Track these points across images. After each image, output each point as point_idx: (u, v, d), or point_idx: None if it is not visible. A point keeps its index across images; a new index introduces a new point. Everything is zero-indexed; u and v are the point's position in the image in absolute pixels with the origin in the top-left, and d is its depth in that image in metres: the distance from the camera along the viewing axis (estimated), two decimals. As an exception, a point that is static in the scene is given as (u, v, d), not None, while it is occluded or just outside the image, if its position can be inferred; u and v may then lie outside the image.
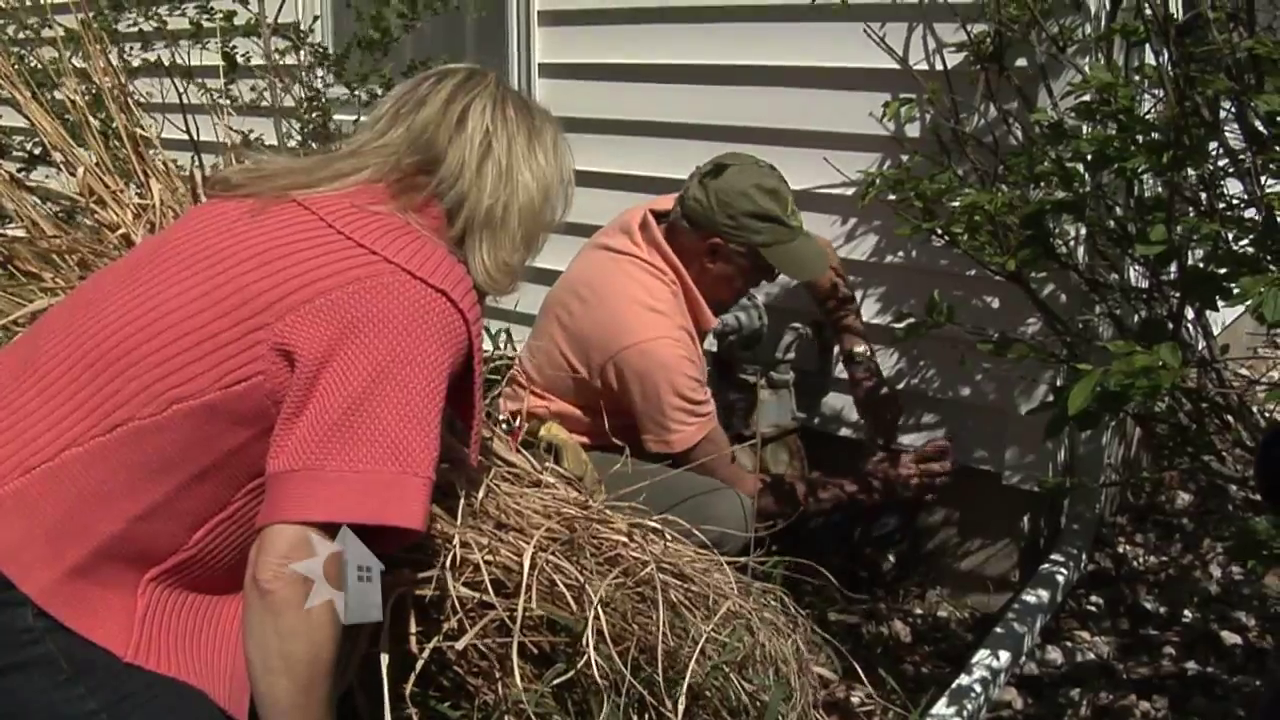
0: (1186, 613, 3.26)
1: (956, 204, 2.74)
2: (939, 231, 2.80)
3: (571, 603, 1.94)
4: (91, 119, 2.48)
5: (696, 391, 2.80)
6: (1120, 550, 3.55)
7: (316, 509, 1.36)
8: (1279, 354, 4.51)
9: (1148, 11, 2.41)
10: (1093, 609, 3.31)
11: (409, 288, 1.46)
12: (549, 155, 1.71)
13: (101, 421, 1.43)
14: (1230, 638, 3.14)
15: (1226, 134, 2.49)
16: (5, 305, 2.22)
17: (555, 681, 1.86)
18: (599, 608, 1.85)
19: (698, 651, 2.00)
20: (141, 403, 1.43)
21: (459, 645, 1.80)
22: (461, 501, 1.88)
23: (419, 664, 1.80)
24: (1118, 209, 2.73)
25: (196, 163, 2.86)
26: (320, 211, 1.53)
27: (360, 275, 1.45)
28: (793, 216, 2.88)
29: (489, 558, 1.86)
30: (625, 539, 2.14)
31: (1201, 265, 2.36)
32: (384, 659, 1.74)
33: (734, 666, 2.09)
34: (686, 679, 1.93)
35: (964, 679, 2.79)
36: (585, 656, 1.82)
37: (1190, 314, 2.62)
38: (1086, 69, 2.73)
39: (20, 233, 2.38)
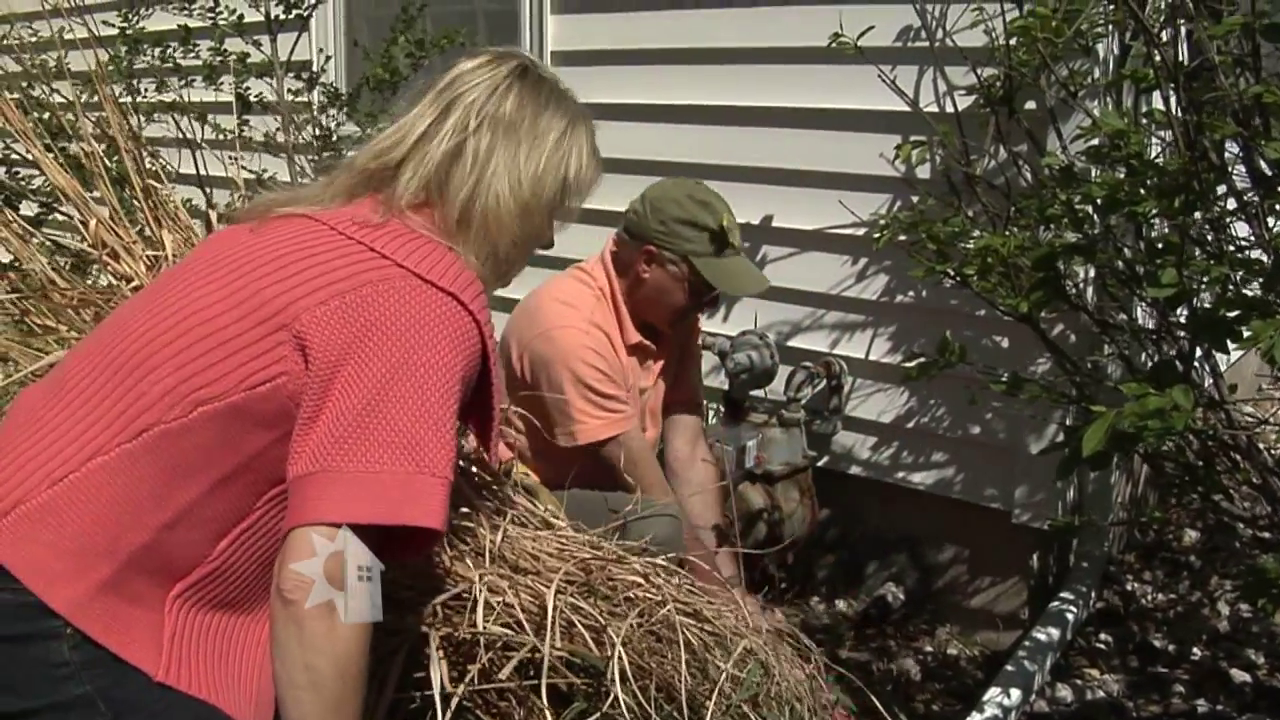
0: (1195, 650, 3.27)
1: (970, 246, 2.77)
2: (951, 273, 2.83)
3: (591, 643, 1.95)
4: (105, 166, 2.49)
5: (603, 384, 2.74)
6: (1129, 588, 3.56)
7: (332, 510, 1.35)
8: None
9: (1157, 58, 2.44)
10: (1102, 647, 3.32)
11: (420, 292, 1.45)
12: (543, 161, 1.61)
13: (127, 428, 1.43)
14: (1239, 675, 3.15)
15: (1234, 178, 2.52)
16: (21, 359, 2.22)
17: (574, 721, 1.87)
18: (621, 647, 1.85)
19: (717, 691, 2.00)
20: (166, 405, 1.43)
21: (494, 682, 1.81)
22: (487, 542, 1.90)
23: (454, 702, 1.81)
24: (1126, 251, 2.76)
25: (210, 202, 2.88)
26: (330, 221, 1.54)
27: (373, 279, 1.45)
28: (729, 233, 2.82)
29: (512, 599, 1.87)
30: (641, 579, 2.16)
31: (1211, 308, 2.39)
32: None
33: (750, 704, 2.10)
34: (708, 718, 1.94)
35: (975, 717, 2.80)
36: (610, 696, 1.83)
37: (1198, 354, 2.66)
38: (1095, 113, 2.77)
39: (32, 284, 2.38)
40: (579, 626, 1.95)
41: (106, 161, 2.58)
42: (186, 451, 1.43)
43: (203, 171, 2.94)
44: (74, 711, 1.38)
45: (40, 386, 1.59)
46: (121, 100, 2.86)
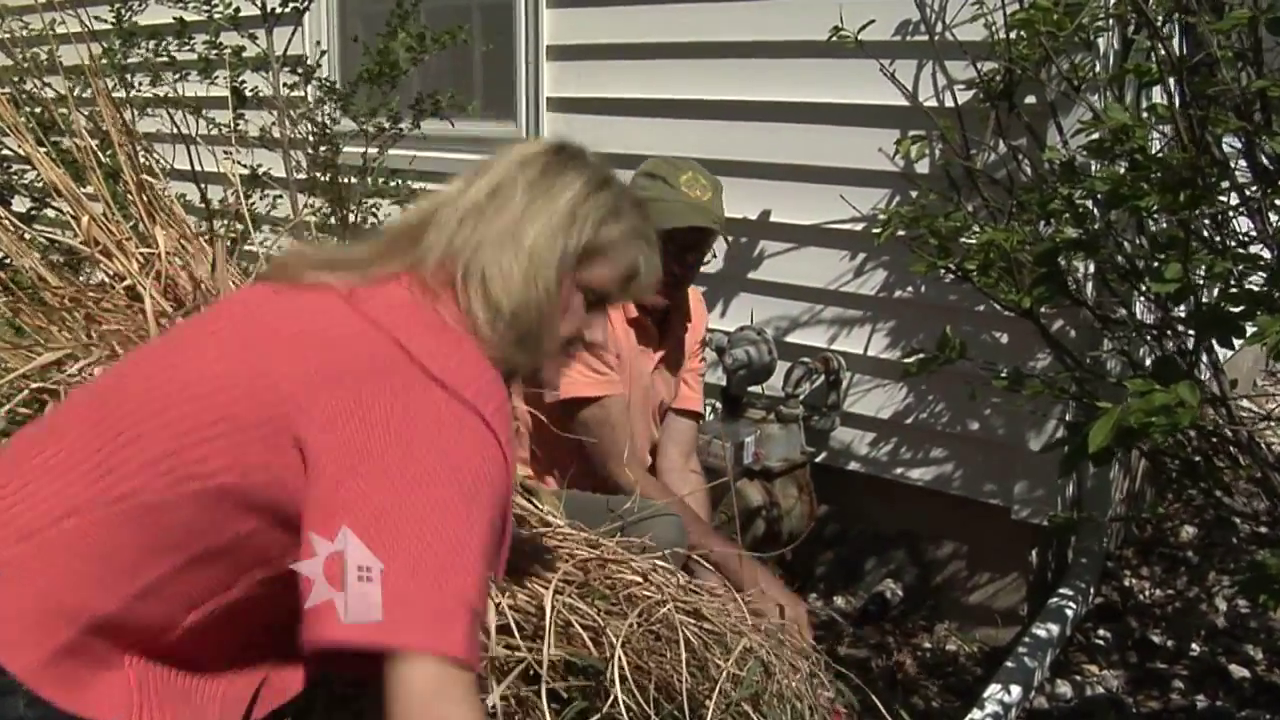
0: (1194, 646, 3.27)
1: (971, 241, 2.76)
2: (953, 268, 2.82)
3: (589, 644, 1.92)
4: (98, 160, 2.46)
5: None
6: (1126, 584, 3.56)
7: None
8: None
9: (1161, 51, 2.43)
10: (1101, 643, 3.32)
11: (444, 403, 1.34)
12: (555, 210, 1.50)
13: (108, 491, 1.35)
14: (1238, 671, 3.14)
15: (1236, 173, 2.51)
16: (13, 360, 2.18)
17: (573, 721, 1.86)
18: (620, 648, 1.84)
19: (717, 691, 1.99)
20: (152, 475, 1.34)
21: (494, 696, 1.79)
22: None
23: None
24: (1127, 245, 2.75)
25: (204, 197, 2.85)
26: (357, 304, 1.43)
27: (395, 384, 1.34)
28: (689, 185, 2.77)
29: (510, 601, 1.86)
30: (640, 578, 2.14)
31: (1215, 303, 2.38)
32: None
33: (751, 703, 2.09)
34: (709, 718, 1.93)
35: (976, 714, 2.79)
36: (611, 697, 1.82)
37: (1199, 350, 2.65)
38: (1096, 106, 2.76)
39: (22, 282, 2.35)
40: (576, 627, 1.93)
41: (100, 155, 2.54)
42: (167, 525, 1.35)
43: (197, 167, 2.91)
44: None
45: (32, 428, 1.53)
46: (115, 94, 2.82)
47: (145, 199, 2.44)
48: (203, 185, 2.66)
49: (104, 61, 2.91)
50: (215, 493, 1.34)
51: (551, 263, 1.49)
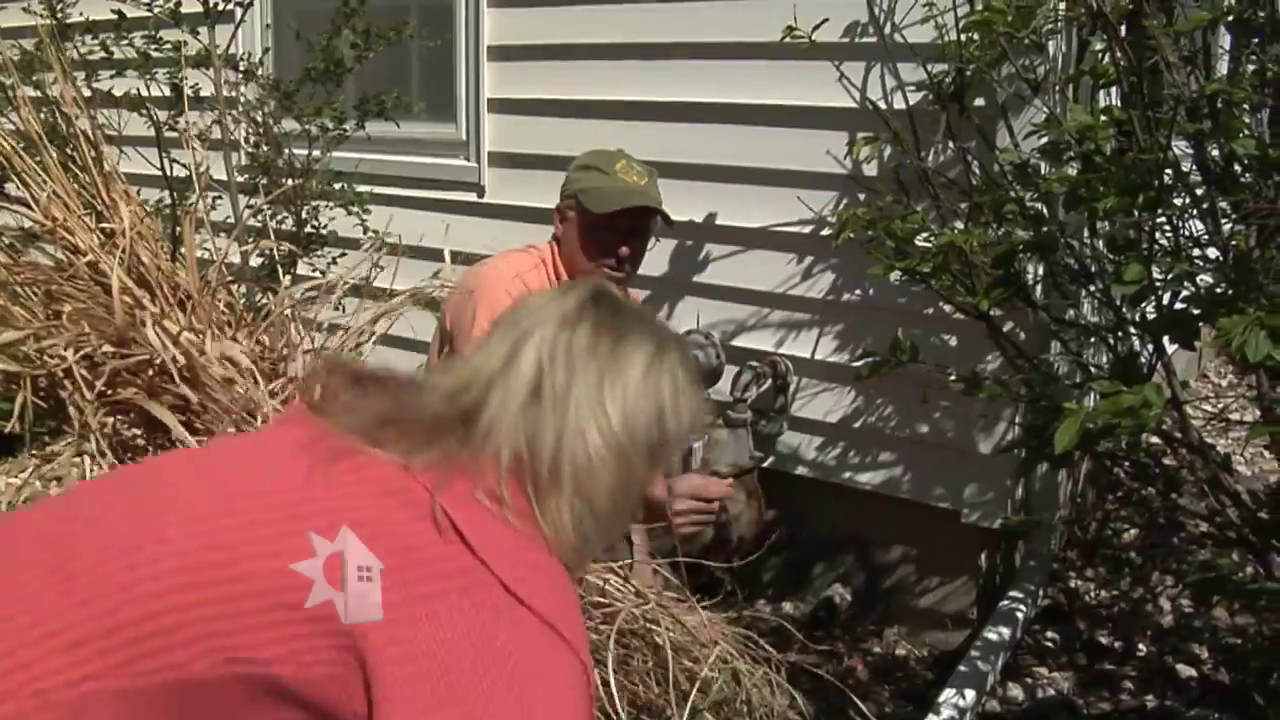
0: (1141, 646, 3.28)
1: (928, 244, 2.74)
2: (910, 271, 2.81)
3: None
4: (50, 146, 2.39)
5: None
6: (1072, 585, 3.57)
7: None
8: (1239, 392, 4.60)
9: (1118, 54, 2.43)
10: (1050, 645, 3.33)
11: (525, 622, 1.21)
12: (629, 394, 1.35)
13: (138, 660, 1.19)
14: (1185, 670, 3.17)
15: (1191, 175, 2.53)
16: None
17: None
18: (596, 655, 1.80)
19: (690, 708, 1.97)
20: (193, 653, 1.19)
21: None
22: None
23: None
24: (1079, 247, 2.75)
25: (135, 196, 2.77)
26: (422, 485, 1.27)
27: (466, 587, 1.21)
28: (624, 171, 2.86)
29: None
30: (601, 581, 2.12)
31: (1172, 305, 2.38)
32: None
33: (715, 710, 2.06)
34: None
35: (931, 719, 2.77)
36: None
37: (1149, 352, 2.66)
38: (1054, 109, 2.76)
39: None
40: None
41: (49, 144, 2.44)
42: (202, 707, 1.21)
43: (128, 169, 2.81)
44: None
45: (11, 530, 1.33)
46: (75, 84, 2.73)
47: (104, 176, 2.38)
48: (136, 188, 2.57)
49: (50, 52, 2.78)
50: (264, 680, 1.21)
51: (640, 445, 1.36)
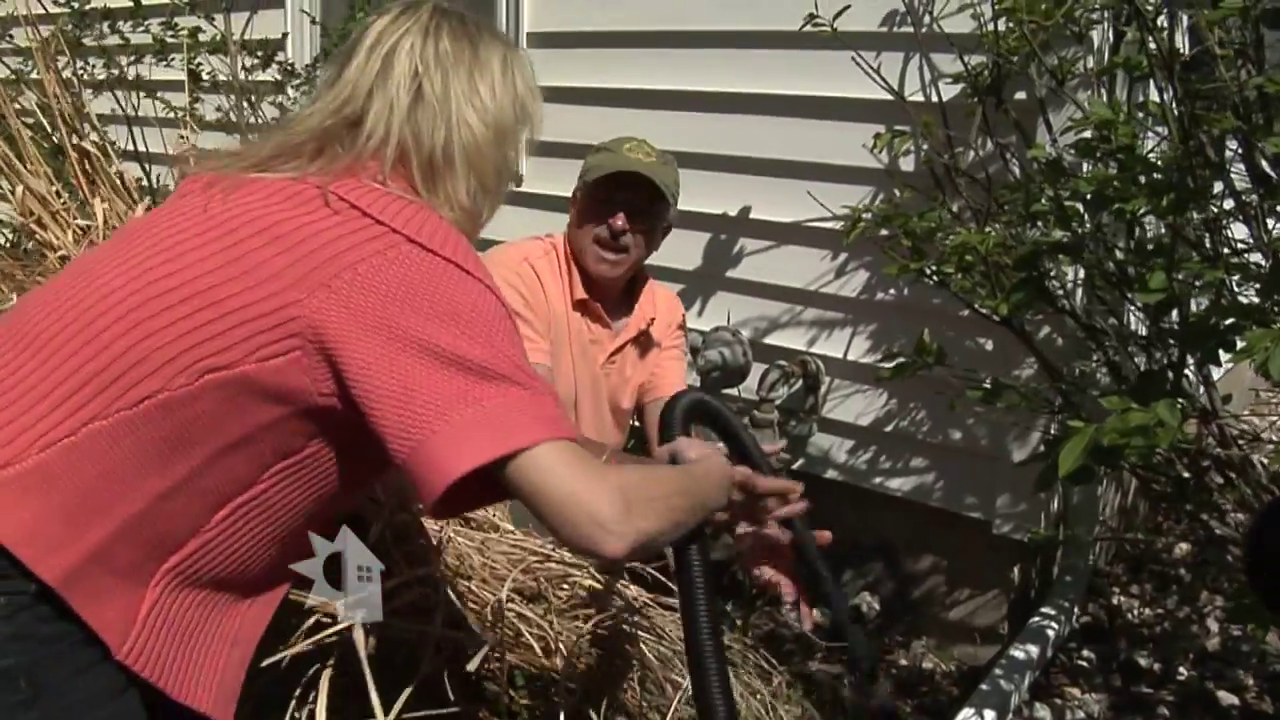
0: (1182, 670, 3.13)
1: (949, 242, 2.62)
2: (927, 271, 2.68)
3: (540, 654, 1.88)
4: (32, 141, 2.38)
5: (515, 302, 2.68)
6: (1115, 601, 3.43)
7: (466, 457, 1.28)
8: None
9: (1151, 45, 2.29)
10: (1084, 664, 3.19)
11: (433, 261, 1.37)
12: (496, 86, 1.57)
13: (126, 394, 1.36)
14: (1227, 698, 3.01)
15: (1233, 175, 2.37)
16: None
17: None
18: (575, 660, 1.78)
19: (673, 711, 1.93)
20: (171, 373, 1.36)
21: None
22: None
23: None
24: (1118, 251, 2.61)
25: (149, 177, 2.76)
26: (316, 185, 1.44)
27: (380, 248, 1.36)
28: (631, 150, 2.78)
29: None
30: (597, 584, 2.09)
31: (1204, 315, 2.24)
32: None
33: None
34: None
35: (948, 739, 2.66)
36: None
37: (1189, 363, 2.51)
38: (1087, 104, 2.62)
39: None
40: (527, 636, 1.90)
41: (47, 129, 2.45)
42: (190, 420, 1.37)
43: (142, 149, 2.79)
44: None
45: None
46: (65, 74, 2.72)
47: (86, 170, 2.39)
48: (147, 166, 2.55)
49: (59, 40, 2.79)
50: (237, 381, 1.36)
51: (510, 130, 1.58)
